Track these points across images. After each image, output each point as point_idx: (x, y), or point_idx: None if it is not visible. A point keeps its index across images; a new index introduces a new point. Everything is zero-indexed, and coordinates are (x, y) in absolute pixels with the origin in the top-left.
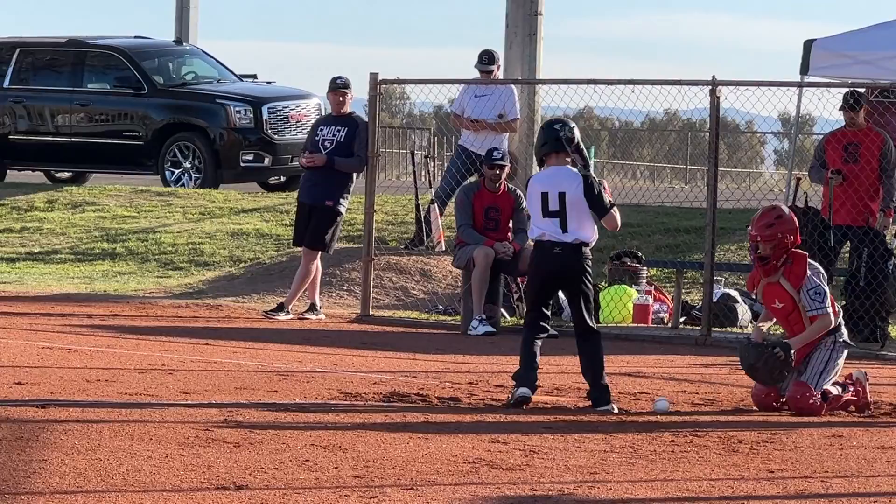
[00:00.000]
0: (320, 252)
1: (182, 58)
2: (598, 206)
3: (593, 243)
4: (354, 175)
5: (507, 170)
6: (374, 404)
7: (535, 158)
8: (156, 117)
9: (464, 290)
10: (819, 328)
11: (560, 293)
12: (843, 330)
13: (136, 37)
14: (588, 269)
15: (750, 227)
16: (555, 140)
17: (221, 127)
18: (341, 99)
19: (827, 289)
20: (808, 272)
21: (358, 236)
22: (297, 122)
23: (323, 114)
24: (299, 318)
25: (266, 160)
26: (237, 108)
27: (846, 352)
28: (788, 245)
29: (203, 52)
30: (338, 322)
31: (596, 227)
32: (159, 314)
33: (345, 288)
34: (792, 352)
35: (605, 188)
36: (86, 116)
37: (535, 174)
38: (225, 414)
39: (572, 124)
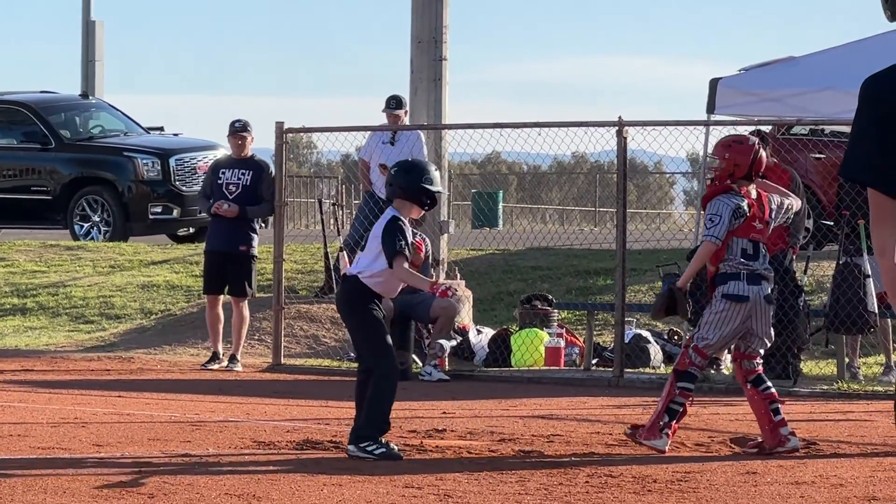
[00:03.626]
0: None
1: (89, 111)
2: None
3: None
4: (259, 220)
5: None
6: (287, 452)
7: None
8: (64, 171)
9: None
10: (700, 254)
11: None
12: (734, 283)
13: (41, 91)
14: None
15: None
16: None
17: (129, 180)
18: (241, 142)
19: (728, 219)
20: (719, 198)
21: (268, 285)
22: (205, 172)
23: None
24: (201, 368)
25: (175, 212)
26: (145, 161)
27: (737, 306)
28: (733, 171)
29: (109, 105)
30: (250, 371)
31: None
32: (71, 368)
33: (256, 337)
34: (675, 288)
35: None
36: None
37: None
38: (139, 465)
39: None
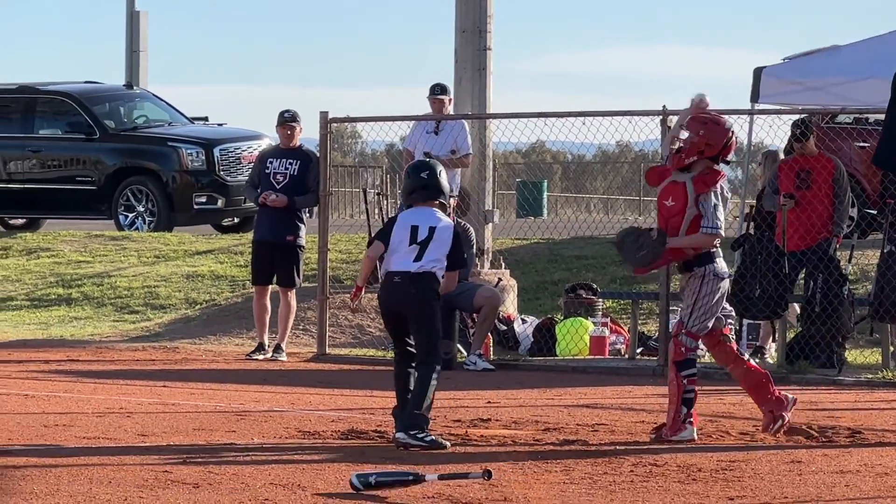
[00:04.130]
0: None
1: (133, 102)
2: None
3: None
4: (307, 210)
5: (452, 203)
6: (332, 442)
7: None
8: (108, 162)
9: None
10: (699, 241)
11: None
12: (719, 262)
13: (86, 82)
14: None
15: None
16: (423, 188)
17: (174, 170)
18: (290, 132)
19: (722, 220)
20: (717, 191)
21: (313, 275)
22: (250, 162)
23: None
24: (246, 358)
25: (219, 202)
26: (189, 151)
27: (724, 284)
28: (703, 150)
29: (154, 95)
30: (295, 361)
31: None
32: (116, 358)
33: (301, 327)
34: (664, 243)
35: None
36: (38, 163)
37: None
38: (184, 455)
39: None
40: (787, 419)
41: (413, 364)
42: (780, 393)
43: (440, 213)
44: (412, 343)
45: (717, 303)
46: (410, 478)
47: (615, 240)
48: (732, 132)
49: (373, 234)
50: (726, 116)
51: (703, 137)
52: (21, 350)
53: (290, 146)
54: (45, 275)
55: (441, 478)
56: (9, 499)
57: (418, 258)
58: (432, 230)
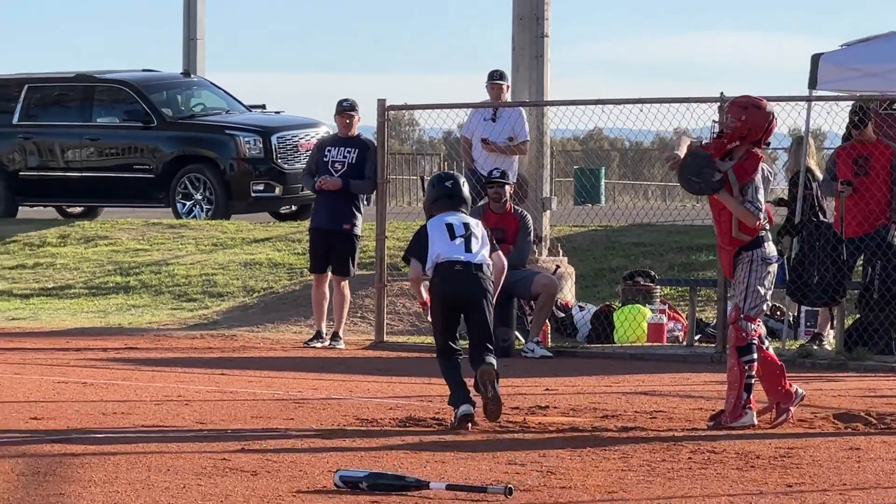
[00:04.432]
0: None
1: (190, 90)
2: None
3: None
4: (364, 197)
5: (509, 189)
6: (390, 429)
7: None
8: (166, 150)
9: None
10: (742, 211)
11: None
12: (767, 245)
13: (143, 70)
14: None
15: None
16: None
17: (231, 158)
18: (348, 121)
19: (762, 201)
20: (758, 175)
21: (370, 263)
22: (307, 150)
23: None
24: (304, 346)
25: (276, 190)
26: (247, 139)
27: (772, 268)
28: (745, 134)
29: (211, 83)
30: (352, 349)
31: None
32: (174, 346)
33: (358, 315)
34: (719, 189)
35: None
36: (96, 151)
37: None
38: (242, 443)
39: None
40: (792, 413)
41: (457, 356)
42: (790, 386)
43: (466, 214)
44: (455, 337)
45: (769, 286)
46: (408, 482)
47: (688, 152)
48: (773, 115)
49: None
50: (772, 103)
51: (745, 122)
52: (79, 338)
53: (349, 135)
54: (103, 263)
55: (449, 488)
56: (67, 486)
57: (468, 250)
58: (467, 226)
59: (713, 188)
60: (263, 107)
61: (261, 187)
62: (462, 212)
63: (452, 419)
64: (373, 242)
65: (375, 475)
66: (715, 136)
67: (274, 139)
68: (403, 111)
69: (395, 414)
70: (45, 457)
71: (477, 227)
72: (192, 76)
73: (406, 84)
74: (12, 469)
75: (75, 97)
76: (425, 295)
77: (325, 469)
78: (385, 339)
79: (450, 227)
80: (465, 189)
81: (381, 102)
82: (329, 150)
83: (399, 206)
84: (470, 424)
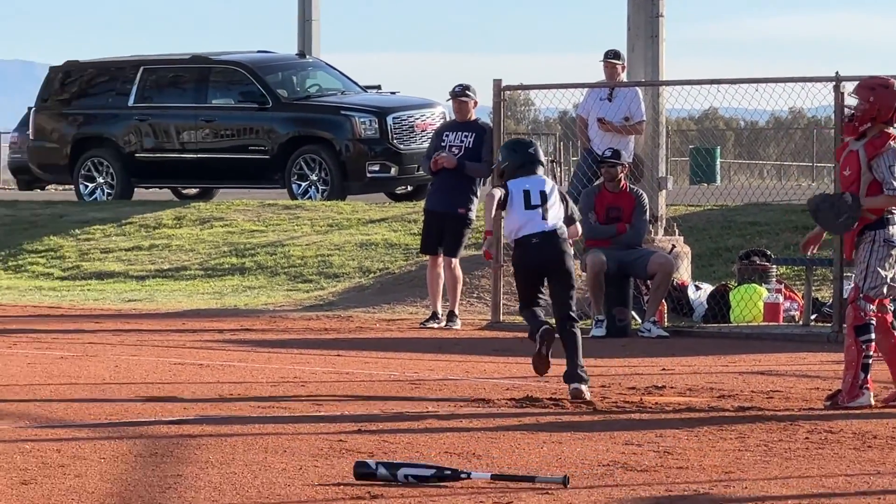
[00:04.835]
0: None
1: (305, 71)
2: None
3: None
4: (479, 181)
5: (622, 169)
6: (506, 410)
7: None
8: (281, 131)
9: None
10: (886, 201)
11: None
12: (891, 228)
13: (259, 51)
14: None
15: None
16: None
17: (347, 138)
18: (462, 106)
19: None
20: (890, 151)
21: None
22: (423, 131)
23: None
24: (420, 326)
25: (392, 170)
26: (362, 119)
27: (895, 251)
28: (875, 115)
29: (326, 64)
30: (469, 329)
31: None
32: (290, 327)
33: (475, 295)
34: (860, 205)
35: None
36: (211, 132)
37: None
38: (358, 424)
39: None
40: None
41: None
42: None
43: (543, 176)
44: (538, 299)
45: (890, 268)
46: (444, 473)
47: (810, 208)
48: None
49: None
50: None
51: (873, 104)
52: (195, 320)
53: (465, 119)
54: (218, 244)
55: (495, 477)
56: (184, 467)
57: (545, 219)
58: (544, 194)
59: (857, 208)
60: (379, 87)
61: (376, 168)
62: (539, 174)
63: (535, 340)
64: None
65: (400, 465)
66: (847, 120)
67: (389, 120)
68: (518, 91)
69: (512, 394)
70: (161, 438)
71: (553, 191)
72: (308, 57)
73: (522, 64)
74: (130, 450)
75: (191, 79)
76: (490, 226)
77: (441, 450)
78: (501, 318)
79: (527, 194)
80: (541, 153)
81: (497, 83)
82: (447, 135)
83: None
84: (549, 341)
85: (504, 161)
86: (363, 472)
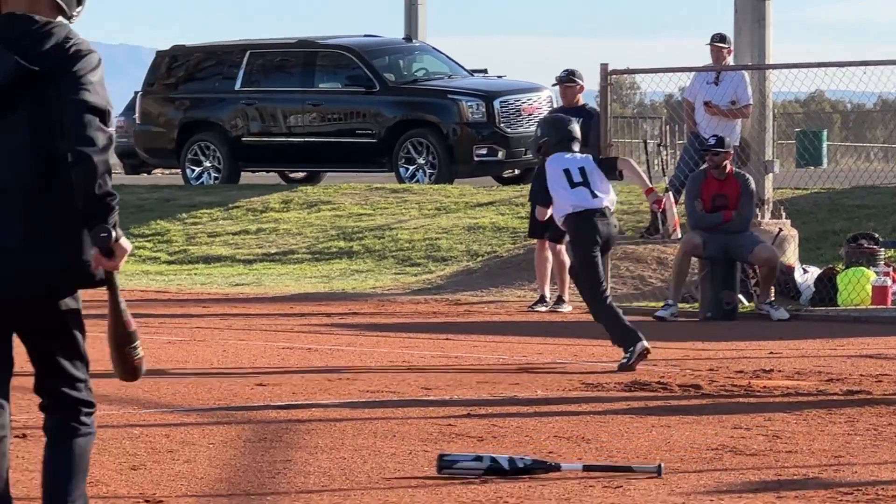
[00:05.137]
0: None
1: (412, 55)
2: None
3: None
4: None
5: (727, 156)
6: (615, 394)
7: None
8: (388, 115)
9: (701, 277)
10: None
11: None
12: None
13: (365, 35)
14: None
15: None
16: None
17: (454, 122)
18: (570, 91)
19: None
20: None
21: None
22: (530, 115)
23: (554, 106)
24: (528, 310)
25: (499, 154)
26: (469, 103)
27: None
28: None
29: (433, 48)
30: (577, 313)
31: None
32: (398, 311)
33: None
34: None
35: None
36: (318, 116)
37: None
38: (467, 408)
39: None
40: None
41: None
42: None
43: (579, 154)
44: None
45: None
46: (537, 464)
47: None
48: None
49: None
50: None
51: None
52: (303, 304)
53: (572, 105)
54: (325, 228)
55: (587, 469)
56: (294, 452)
57: (594, 196)
58: (583, 171)
59: None
60: (485, 71)
61: (484, 151)
62: (576, 151)
63: (628, 357)
64: None
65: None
66: None
67: (496, 103)
68: (625, 75)
69: (621, 378)
70: (271, 423)
71: (594, 170)
72: (414, 41)
73: (627, 48)
74: (239, 436)
75: (297, 63)
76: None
77: (550, 434)
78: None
79: (567, 172)
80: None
81: (604, 67)
82: None
83: None
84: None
85: (543, 137)
86: (446, 465)
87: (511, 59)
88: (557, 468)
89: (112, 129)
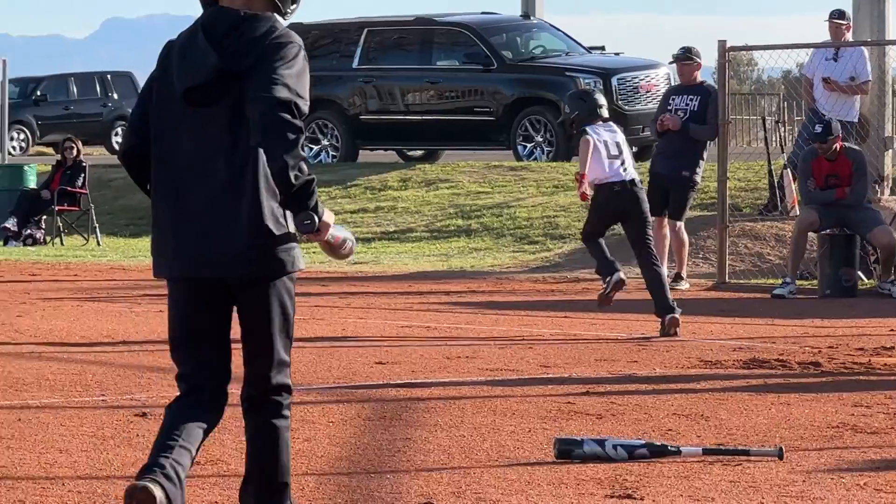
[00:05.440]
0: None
1: (530, 32)
2: None
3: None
4: (706, 144)
5: (836, 141)
6: (734, 371)
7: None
8: (506, 92)
9: (819, 254)
10: None
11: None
12: None
13: (483, 13)
14: None
15: None
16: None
17: None
18: (687, 69)
19: None
20: None
21: (711, 204)
22: (647, 92)
23: (672, 83)
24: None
25: None
26: (587, 81)
27: None
28: None
29: (550, 25)
30: (695, 290)
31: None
32: (516, 289)
33: (700, 256)
34: None
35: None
36: (436, 94)
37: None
38: (586, 386)
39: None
40: None
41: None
42: None
43: (613, 126)
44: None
45: None
46: (654, 447)
47: None
48: None
49: (771, 163)
50: None
51: None
52: (422, 282)
53: (690, 82)
54: (444, 206)
55: (706, 452)
56: (414, 431)
57: (625, 169)
58: (618, 145)
59: None
60: (602, 48)
61: None
62: (606, 118)
63: (605, 287)
64: (714, 184)
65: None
66: None
67: (614, 81)
68: (742, 52)
69: (739, 356)
70: (390, 401)
71: (624, 142)
72: (532, 18)
73: (744, 24)
74: (359, 414)
75: (415, 40)
76: (583, 168)
77: (669, 412)
78: (727, 279)
79: (606, 144)
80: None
81: (722, 44)
82: (673, 99)
83: (739, 146)
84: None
85: (573, 111)
86: (565, 450)
87: (628, 35)
88: (678, 453)
89: (300, 121)
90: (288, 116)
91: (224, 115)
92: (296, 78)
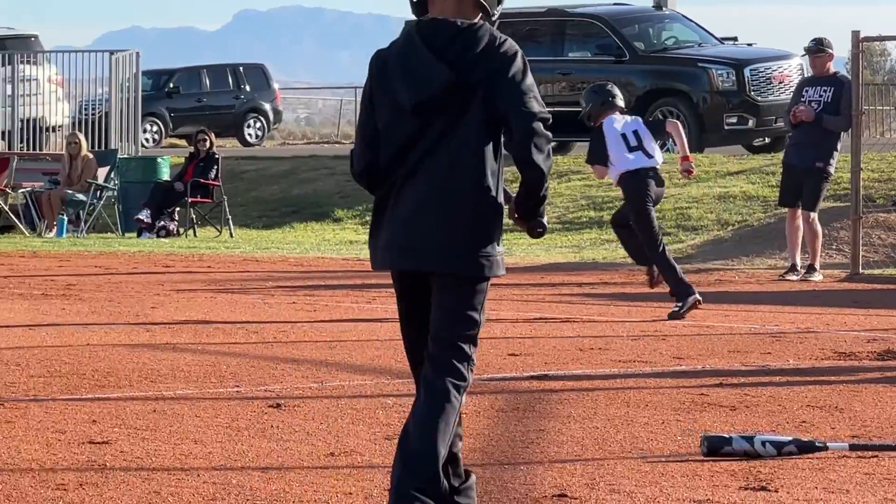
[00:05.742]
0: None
1: (662, 23)
2: None
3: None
4: (840, 135)
5: None
6: (868, 363)
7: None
8: (638, 83)
9: None
10: None
11: None
12: None
13: (615, 3)
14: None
15: None
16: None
17: (704, 91)
18: (819, 61)
19: None
20: None
21: (845, 195)
22: (780, 83)
23: (804, 74)
24: (779, 279)
25: (750, 122)
26: (719, 72)
27: None
28: None
29: (682, 16)
30: (828, 281)
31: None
32: (645, 280)
33: (833, 247)
34: None
35: None
36: (568, 85)
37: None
38: (719, 377)
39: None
40: None
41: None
42: None
43: (628, 117)
44: None
45: None
46: (802, 443)
47: None
48: None
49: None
50: None
51: None
52: (553, 273)
53: (823, 74)
54: (576, 198)
55: (853, 448)
56: (547, 422)
57: (649, 156)
58: (636, 133)
59: None
60: (735, 39)
61: (734, 120)
62: (621, 107)
63: (680, 307)
64: (847, 174)
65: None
66: None
67: (747, 71)
68: (876, 42)
69: (873, 347)
70: (523, 393)
71: (645, 133)
72: (664, 9)
73: (878, 14)
74: (492, 405)
75: (546, 32)
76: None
77: (803, 403)
78: (860, 271)
79: (624, 137)
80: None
81: (856, 34)
82: (806, 90)
83: (873, 137)
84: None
85: (587, 105)
86: (714, 447)
87: (761, 26)
88: (825, 448)
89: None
90: (543, 129)
91: (452, 124)
92: (534, 87)
